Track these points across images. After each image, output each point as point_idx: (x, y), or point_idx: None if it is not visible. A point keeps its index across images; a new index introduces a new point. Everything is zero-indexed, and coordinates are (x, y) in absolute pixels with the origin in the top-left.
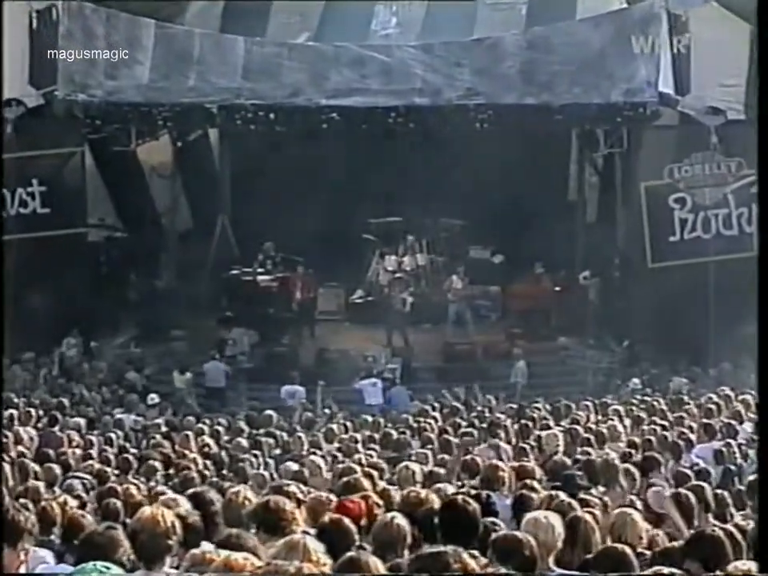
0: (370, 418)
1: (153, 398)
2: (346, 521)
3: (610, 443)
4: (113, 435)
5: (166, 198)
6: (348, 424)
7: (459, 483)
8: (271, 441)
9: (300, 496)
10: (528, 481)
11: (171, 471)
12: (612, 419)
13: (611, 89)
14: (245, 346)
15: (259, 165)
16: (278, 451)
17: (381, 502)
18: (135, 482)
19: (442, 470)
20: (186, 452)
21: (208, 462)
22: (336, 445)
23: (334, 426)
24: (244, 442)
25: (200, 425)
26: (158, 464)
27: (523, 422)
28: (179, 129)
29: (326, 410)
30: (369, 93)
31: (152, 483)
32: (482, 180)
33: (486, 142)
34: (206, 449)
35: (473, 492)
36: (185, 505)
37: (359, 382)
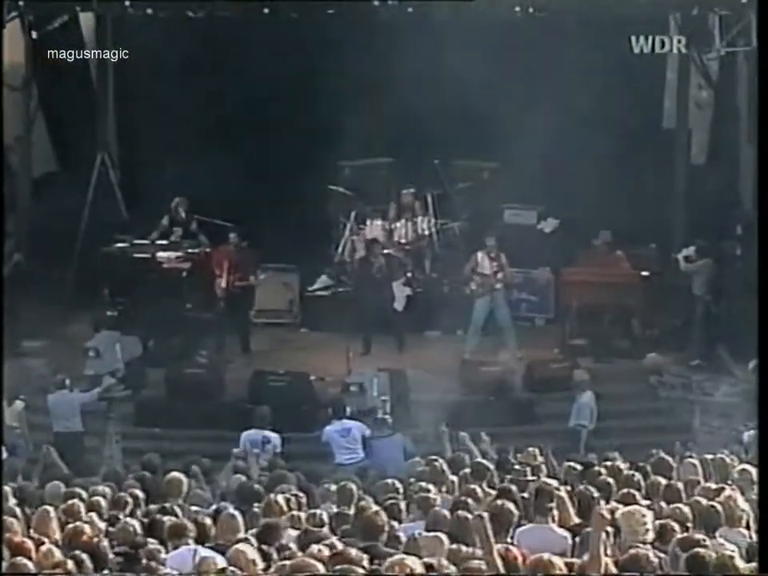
0: (338, 485)
1: None
2: None
3: (727, 527)
4: None
5: (16, 123)
6: (300, 495)
7: None
8: (182, 521)
9: None
10: None
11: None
12: (732, 487)
13: None
14: (117, 361)
15: (163, 72)
16: (192, 536)
17: None
18: None
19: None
20: (46, 539)
21: (84, 556)
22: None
23: (280, 499)
24: (136, 523)
25: (68, 496)
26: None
27: (588, 489)
28: (35, 12)
29: (267, 473)
30: None
31: None
32: (523, 98)
33: (532, 37)
34: (78, 533)
35: None
36: None
37: (323, 429)
